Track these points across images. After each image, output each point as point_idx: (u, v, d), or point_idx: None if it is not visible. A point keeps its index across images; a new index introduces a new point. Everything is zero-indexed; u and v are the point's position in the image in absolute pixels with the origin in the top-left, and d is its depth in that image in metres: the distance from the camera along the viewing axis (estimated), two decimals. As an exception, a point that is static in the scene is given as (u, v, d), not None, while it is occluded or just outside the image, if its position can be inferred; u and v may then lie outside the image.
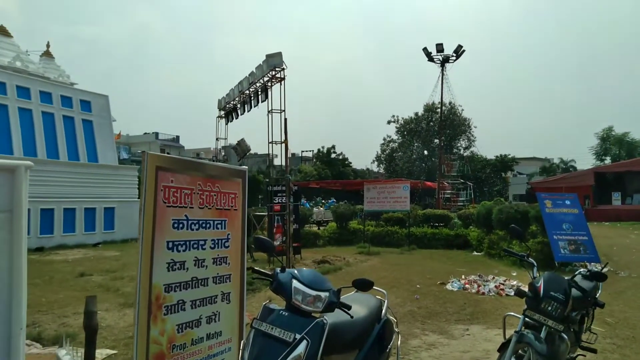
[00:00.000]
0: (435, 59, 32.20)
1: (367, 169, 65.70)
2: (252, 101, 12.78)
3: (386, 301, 3.92)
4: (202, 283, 4.08)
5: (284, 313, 2.83)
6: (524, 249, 6.61)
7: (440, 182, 32.45)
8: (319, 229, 20.55)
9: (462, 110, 54.73)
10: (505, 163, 50.14)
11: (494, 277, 9.12)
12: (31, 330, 6.03)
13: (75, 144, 19.14)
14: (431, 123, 54.78)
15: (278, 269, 3.03)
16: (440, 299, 7.86)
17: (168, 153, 59.38)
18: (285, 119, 10.66)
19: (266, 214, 12.69)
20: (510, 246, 11.03)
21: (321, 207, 26.14)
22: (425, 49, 31.88)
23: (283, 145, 10.85)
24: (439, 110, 55.53)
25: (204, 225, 4.10)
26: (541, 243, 11.56)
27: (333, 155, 58.44)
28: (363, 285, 3.08)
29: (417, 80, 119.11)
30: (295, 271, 2.99)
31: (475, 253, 14.37)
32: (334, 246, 16.71)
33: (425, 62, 32.10)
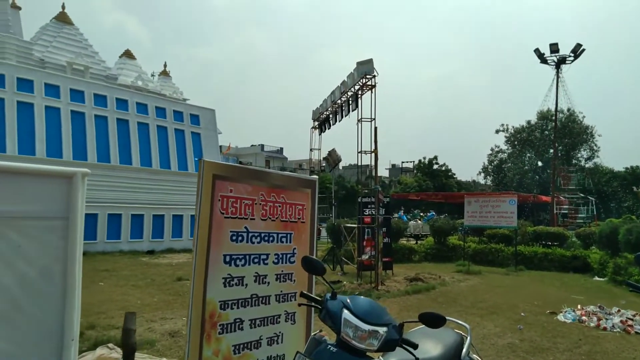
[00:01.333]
0: (549, 61, 29.35)
1: (473, 181, 62.32)
2: (344, 110, 12.54)
3: (469, 338, 3.29)
4: (263, 301, 3.80)
5: (332, 349, 2.40)
6: None
7: (556, 196, 29.33)
8: (416, 243, 19.61)
9: (584, 117, 49.46)
10: (636, 175, 44.06)
11: (619, 310, 7.69)
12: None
13: (185, 154, 20.53)
14: (546, 132, 50.34)
15: (328, 295, 2.60)
16: (549, 332, 6.78)
17: (271, 164, 61.97)
18: (376, 128, 10.23)
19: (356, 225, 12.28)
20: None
21: (419, 220, 25.03)
22: (537, 50, 29.19)
23: (373, 155, 10.39)
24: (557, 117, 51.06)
25: (266, 238, 3.83)
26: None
27: (435, 167, 56.27)
28: (432, 320, 2.52)
29: (528, 87, 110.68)
30: (348, 299, 2.53)
31: (596, 278, 12.52)
32: (430, 262, 15.74)
33: (537, 65, 29.46)
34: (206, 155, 21.45)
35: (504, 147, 55.76)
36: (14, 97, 15.83)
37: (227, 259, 3.49)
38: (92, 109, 17.78)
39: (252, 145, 62.51)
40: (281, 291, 3.94)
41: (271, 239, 3.89)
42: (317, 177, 4.49)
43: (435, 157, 56.96)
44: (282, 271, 3.96)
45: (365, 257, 10.72)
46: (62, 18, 20.73)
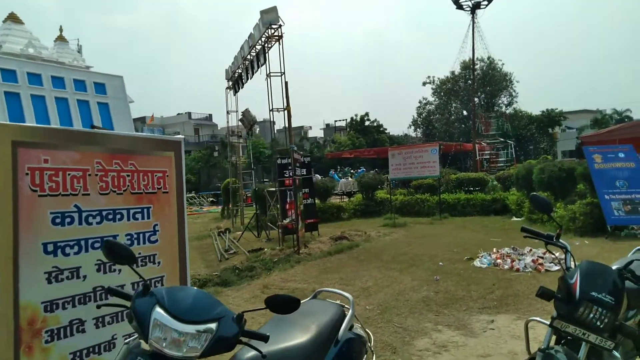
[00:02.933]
0: (464, 6, 29.48)
1: (405, 135, 63.56)
2: (254, 66, 11.65)
3: (351, 310, 2.82)
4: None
5: None
6: (553, 227, 5.26)
7: (478, 142, 30.31)
8: (349, 200, 19.45)
9: (503, 64, 51.26)
10: (552, 118, 46.67)
11: (530, 250, 7.76)
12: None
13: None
14: (469, 81, 51.80)
15: (141, 289, 1.97)
16: (464, 280, 6.66)
17: (200, 132, 59.41)
18: (286, 83, 9.51)
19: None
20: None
21: (350, 177, 24.95)
22: (451, -7, 29.23)
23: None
24: (477, 66, 52.48)
25: (110, 216, 3.10)
26: (590, 205, 9.99)
27: (367, 123, 56.58)
28: (282, 304, 1.98)
29: (452, 37, 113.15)
30: (164, 292, 1.92)
31: (514, 219, 12.90)
32: (360, 219, 15.61)
33: (456, 14, 29.59)
34: (118, 127, 19.75)
35: (431, 99, 57.04)
36: None
37: (50, 248, 2.75)
38: (-29, 83, 15.55)
39: (178, 114, 59.56)
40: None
41: (119, 216, 3.17)
42: (182, 137, 3.77)
43: (367, 114, 57.18)
44: (140, 253, 3.29)
45: (287, 220, 10.22)
46: None
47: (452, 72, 53.45)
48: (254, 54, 11.41)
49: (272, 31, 9.99)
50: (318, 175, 26.11)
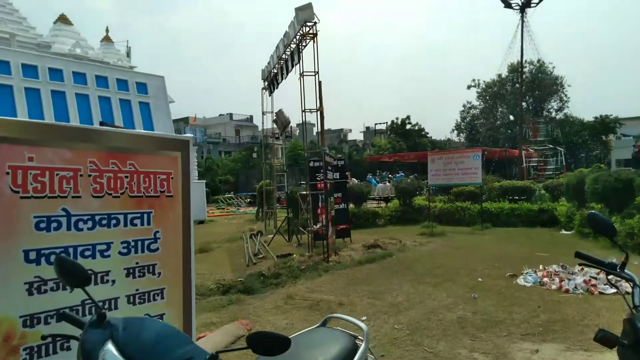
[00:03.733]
0: (512, 4, 28.15)
1: (447, 139, 61.94)
2: (288, 65, 11.36)
3: (364, 343, 2.40)
4: (106, 306, 2.83)
5: None
6: (613, 250, 4.60)
7: (525, 148, 28.89)
8: (386, 205, 18.86)
9: (553, 67, 48.98)
10: (606, 124, 44.03)
11: (582, 268, 7.02)
12: None
13: (132, 126, 19.07)
14: (517, 85, 49.78)
15: (94, 318, 1.62)
16: (505, 300, 6.05)
17: (241, 133, 60.00)
18: (320, 82, 9.16)
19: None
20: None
21: (388, 182, 24.30)
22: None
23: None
24: (525, 69, 50.42)
25: (104, 222, 2.82)
26: (653, 222, 9.06)
27: (408, 127, 55.50)
28: (266, 344, 1.57)
29: (499, 39, 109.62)
30: (122, 325, 1.56)
31: (563, 232, 11.99)
32: (395, 226, 15.05)
33: (505, 14, 28.34)
34: (158, 127, 20.07)
35: (475, 102, 55.38)
36: None
37: (32, 255, 2.48)
38: (21, 81, 16.07)
39: (220, 115, 60.51)
40: (137, 290, 2.98)
41: (114, 222, 2.89)
42: (190, 135, 3.46)
43: (408, 117, 56.11)
44: (138, 263, 2.99)
45: (317, 226, 9.85)
46: (-21, -19, 18.60)
47: (499, 75, 51.60)
48: (289, 52, 11.12)
49: (307, 29, 9.66)
50: (355, 180, 25.64)
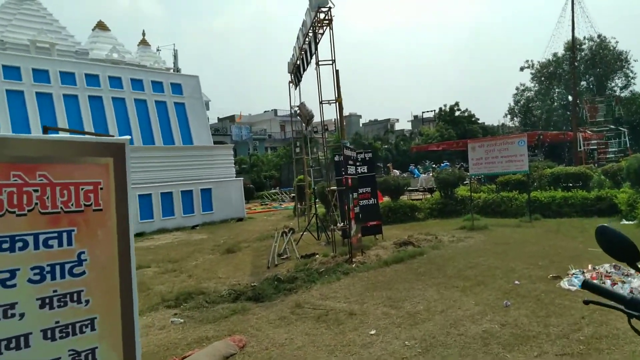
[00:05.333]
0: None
1: (501, 124, 58.99)
2: (308, 56, 10.76)
3: None
4: (14, 345, 2.42)
5: None
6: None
7: (582, 130, 26.64)
8: (431, 196, 17.86)
9: (617, 42, 45.18)
10: (678, 101, 40.10)
11: (641, 269, 6.00)
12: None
13: (169, 127, 19.27)
14: (575, 63, 46.42)
15: None
16: (543, 308, 5.20)
17: (286, 129, 60.03)
18: (337, 71, 8.51)
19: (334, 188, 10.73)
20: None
21: (432, 172, 23.17)
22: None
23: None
24: (584, 46, 46.88)
25: (4, 245, 2.39)
26: None
27: (457, 113, 53.25)
28: None
29: (553, 15, 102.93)
30: None
31: (624, 222, 10.66)
32: (436, 219, 14.13)
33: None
34: (194, 127, 20.18)
35: (530, 84, 52.39)
36: (-29, 83, 14.76)
37: None
38: (59, 89, 16.59)
39: (265, 112, 60.83)
40: (57, 322, 2.53)
41: (19, 245, 2.44)
42: (127, 137, 2.98)
43: (457, 103, 53.78)
44: (56, 291, 2.54)
45: (341, 224, 9.24)
46: (22, -7, 19.36)
47: (555, 54, 48.34)
48: (308, 42, 10.53)
49: (322, 15, 9.02)
50: (396, 171, 24.73)
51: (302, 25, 10.61)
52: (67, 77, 16.98)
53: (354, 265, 7.92)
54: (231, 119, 55.14)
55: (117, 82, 18.17)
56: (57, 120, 16.26)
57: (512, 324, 4.78)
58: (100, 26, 21.20)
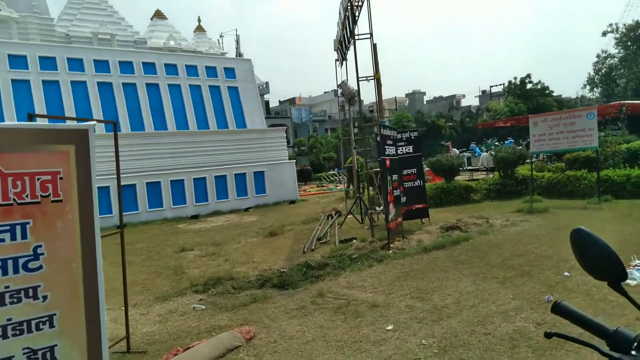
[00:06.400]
0: None
1: (580, 97, 54.48)
2: (347, 31, 10.22)
3: None
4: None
5: None
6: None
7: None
8: (492, 176, 16.80)
9: None
10: None
11: None
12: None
13: (222, 111, 19.54)
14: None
15: None
16: (592, 304, 4.56)
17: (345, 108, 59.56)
18: (374, 45, 7.98)
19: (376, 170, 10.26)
20: None
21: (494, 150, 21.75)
22: None
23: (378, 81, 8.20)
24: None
25: (-51, 238, 2.33)
26: None
27: (529, 86, 49.78)
28: None
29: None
30: None
31: None
32: (494, 201, 13.21)
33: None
34: (247, 110, 20.33)
35: (613, 51, 47.80)
36: (39, 76, 15.74)
37: None
38: (118, 77, 17.30)
39: (325, 92, 60.47)
40: (9, 319, 2.45)
41: (-35, 238, 2.38)
42: (91, 123, 2.81)
43: (528, 75, 50.23)
44: (8, 287, 2.45)
45: (379, 208, 8.81)
46: (85, -12, 20.31)
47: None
48: (347, 15, 10.01)
49: (359, -15, 8.50)
50: (456, 150, 23.57)
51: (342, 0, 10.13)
52: (126, 66, 17.64)
53: (390, 252, 7.51)
54: (291, 101, 55.43)
55: (173, 69, 18.63)
56: (118, 109, 17.00)
57: (550, 323, 4.20)
58: (158, 15, 21.86)
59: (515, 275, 5.77)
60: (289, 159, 21.81)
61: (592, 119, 11.14)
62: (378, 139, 9.65)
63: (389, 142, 8.27)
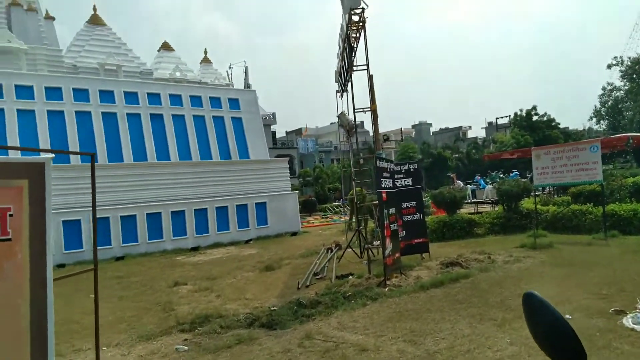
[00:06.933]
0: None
1: (587, 128, 54.31)
2: (345, 62, 10.23)
3: None
4: None
5: None
6: None
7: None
8: (495, 209, 16.50)
9: None
10: None
11: None
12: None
13: (226, 142, 19.58)
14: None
15: None
16: (594, 352, 4.24)
17: (352, 139, 59.87)
18: (370, 76, 7.93)
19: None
20: None
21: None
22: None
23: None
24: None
25: None
26: None
27: (535, 118, 49.79)
28: None
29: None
30: None
31: None
32: (497, 235, 12.88)
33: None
34: (251, 141, 20.37)
35: (619, 83, 47.95)
36: (44, 107, 15.93)
37: None
38: (123, 108, 17.47)
39: (331, 123, 60.88)
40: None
41: None
42: (49, 156, 2.67)
43: (534, 107, 50.40)
44: (-55, 334, 2.27)
45: (376, 243, 8.57)
46: (94, 20, 20.84)
47: (648, 48, 43.78)
48: (345, 47, 10.03)
49: (357, 17, 8.49)
50: (460, 182, 23.33)
51: (340, 30, 10.17)
52: (131, 97, 17.84)
53: (386, 289, 7.23)
54: (298, 132, 55.80)
55: (177, 100, 18.82)
56: (121, 139, 17.08)
57: (550, 374, 3.89)
58: (165, 47, 22.28)
59: (514, 317, 5.46)
60: (294, 189, 21.70)
61: (596, 152, 10.92)
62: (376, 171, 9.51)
63: (386, 174, 8.10)
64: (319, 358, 4.69)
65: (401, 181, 9.58)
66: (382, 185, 7.77)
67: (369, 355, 4.62)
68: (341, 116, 10.72)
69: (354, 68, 8.44)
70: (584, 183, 11.74)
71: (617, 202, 12.01)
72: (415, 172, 10.02)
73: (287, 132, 57.50)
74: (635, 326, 4.74)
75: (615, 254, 8.92)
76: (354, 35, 8.91)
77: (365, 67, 8.23)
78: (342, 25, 9.79)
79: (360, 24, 8.50)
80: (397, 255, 8.29)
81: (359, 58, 9.65)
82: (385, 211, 7.84)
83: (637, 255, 8.62)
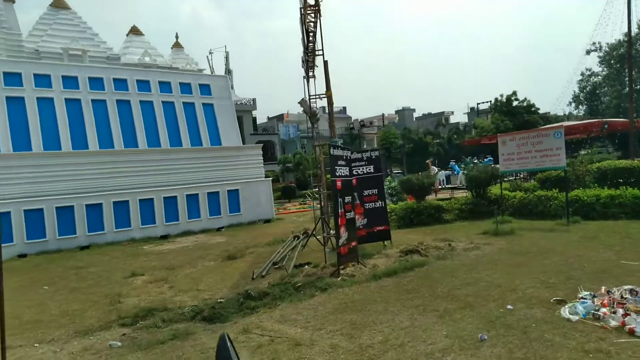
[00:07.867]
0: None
1: (565, 114, 54.77)
2: (305, 47, 9.96)
3: None
4: None
5: None
6: None
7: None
8: (465, 196, 16.51)
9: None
10: None
11: (667, 296, 4.73)
12: None
13: (196, 128, 19.20)
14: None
15: None
16: (527, 345, 4.16)
17: (335, 125, 59.68)
18: (326, 62, 7.72)
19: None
20: None
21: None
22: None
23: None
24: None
25: None
26: None
27: (515, 104, 50.00)
28: None
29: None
30: None
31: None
32: (465, 221, 12.88)
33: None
34: (223, 127, 20.01)
35: (597, 69, 48.31)
36: (3, 93, 15.37)
37: None
38: (88, 94, 16.96)
39: (314, 109, 60.51)
40: None
41: None
42: None
43: (514, 93, 50.49)
44: None
45: (332, 232, 8.44)
46: (58, 4, 20.08)
47: (626, 34, 44.04)
48: (304, 31, 9.76)
49: (312, 1, 8.23)
50: (435, 168, 23.33)
51: (300, 16, 9.88)
52: (96, 83, 17.32)
53: (339, 279, 7.12)
54: (280, 118, 55.29)
55: (145, 86, 18.32)
56: (86, 126, 16.62)
57: (475, 369, 3.82)
58: (134, 31, 21.62)
59: (456, 307, 5.38)
60: (272, 176, 21.45)
61: (560, 137, 10.91)
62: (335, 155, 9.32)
63: (341, 162, 7.94)
64: (249, 354, 4.55)
65: (362, 169, 9.43)
66: (337, 174, 7.62)
67: (300, 351, 4.50)
68: (302, 103, 10.47)
69: (316, 52, 8.20)
70: (547, 169, 11.75)
71: (581, 188, 12.05)
72: (377, 159, 9.86)
73: (268, 118, 56.95)
74: (571, 316, 4.68)
75: (573, 240, 8.94)
76: (311, 19, 8.65)
77: (319, 52, 7.99)
78: (300, 9, 9.51)
79: (316, 7, 8.24)
80: (354, 244, 8.16)
81: (329, 44, 9.43)
82: (340, 200, 7.70)
83: (593, 241, 8.63)
